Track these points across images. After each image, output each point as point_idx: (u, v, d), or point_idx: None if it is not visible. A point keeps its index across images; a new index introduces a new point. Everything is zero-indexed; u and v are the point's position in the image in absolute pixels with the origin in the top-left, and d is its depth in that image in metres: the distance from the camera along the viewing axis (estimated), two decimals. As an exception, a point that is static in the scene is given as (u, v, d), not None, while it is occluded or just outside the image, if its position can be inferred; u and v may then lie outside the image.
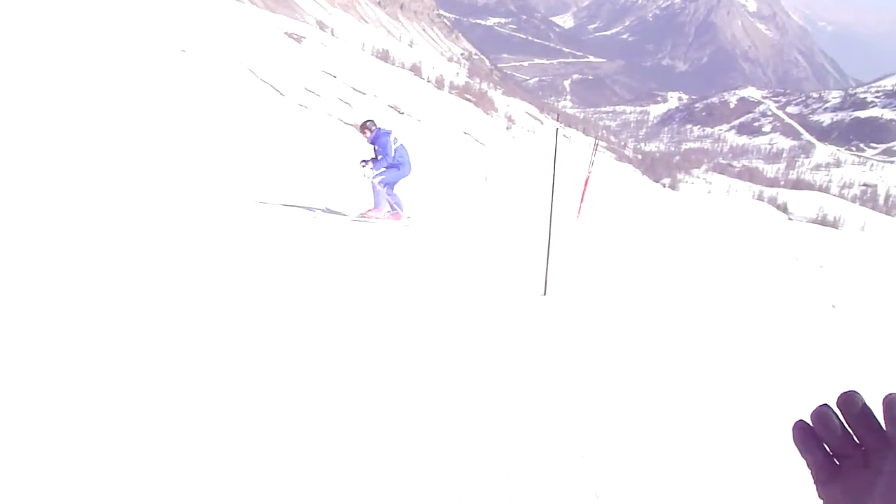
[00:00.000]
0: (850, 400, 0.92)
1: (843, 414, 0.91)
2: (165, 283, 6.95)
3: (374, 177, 14.20)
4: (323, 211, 14.23)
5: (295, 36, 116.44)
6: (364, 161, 14.51)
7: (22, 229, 7.72)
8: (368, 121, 14.70)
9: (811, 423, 0.93)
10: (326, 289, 7.93)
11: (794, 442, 0.93)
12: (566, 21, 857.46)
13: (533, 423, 5.22)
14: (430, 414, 5.09)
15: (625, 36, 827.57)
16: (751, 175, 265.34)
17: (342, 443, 4.48)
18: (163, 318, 6.01)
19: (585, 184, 18.54)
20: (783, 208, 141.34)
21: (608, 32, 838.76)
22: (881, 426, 0.87)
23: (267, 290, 7.43)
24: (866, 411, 0.89)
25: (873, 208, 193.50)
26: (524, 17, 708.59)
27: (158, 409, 4.63)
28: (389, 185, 14.44)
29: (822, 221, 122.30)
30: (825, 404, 0.86)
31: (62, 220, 8.47)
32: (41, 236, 7.62)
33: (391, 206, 14.63)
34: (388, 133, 14.44)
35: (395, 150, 14.34)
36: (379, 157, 14.19)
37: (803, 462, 0.93)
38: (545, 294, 9.31)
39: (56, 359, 4.88)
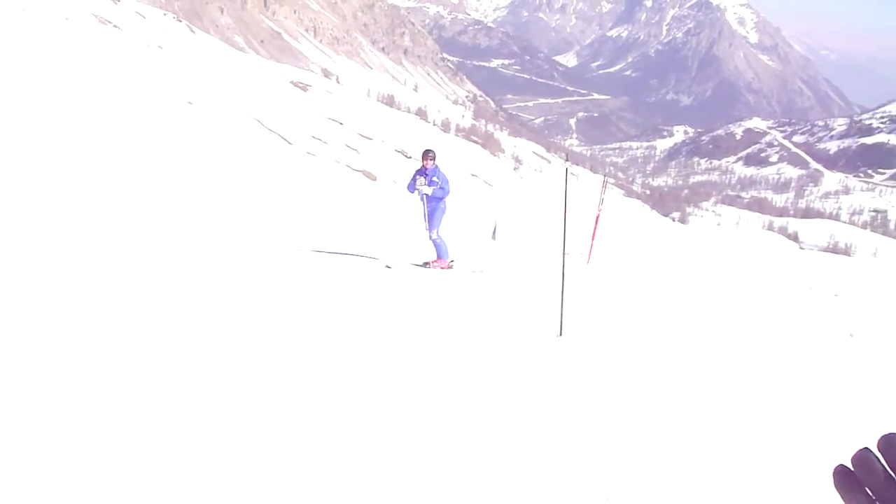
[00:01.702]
0: (891, 442, 0.90)
1: (884, 457, 0.89)
2: (194, 322, 6.96)
3: (429, 194, 14.47)
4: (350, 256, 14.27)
5: (300, 84, 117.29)
6: (413, 182, 14.82)
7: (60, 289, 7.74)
8: (431, 150, 14.88)
9: (852, 468, 0.90)
10: (342, 331, 7.91)
11: (836, 487, 0.91)
12: (569, 60, 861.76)
13: (556, 465, 5.18)
14: (450, 456, 5.04)
15: (628, 72, 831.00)
16: (760, 206, 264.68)
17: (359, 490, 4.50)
18: (200, 343, 6.02)
19: (596, 222, 18.53)
20: (794, 237, 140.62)
21: (611, 70, 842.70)
22: None
23: (293, 333, 7.42)
24: None
25: (884, 234, 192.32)
26: (527, 57, 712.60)
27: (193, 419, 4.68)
28: (439, 228, 14.80)
29: (834, 249, 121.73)
30: (866, 448, 0.89)
31: (79, 268, 8.49)
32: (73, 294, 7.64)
33: (438, 254, 14.95)
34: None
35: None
36: (441, 187, 14.45)
37: None
38: (561, 334, 9.27)
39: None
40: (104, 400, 5.16)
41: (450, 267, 14.96)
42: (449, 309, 10.49)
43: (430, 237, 14.76)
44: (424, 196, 14.50)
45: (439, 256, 14.87)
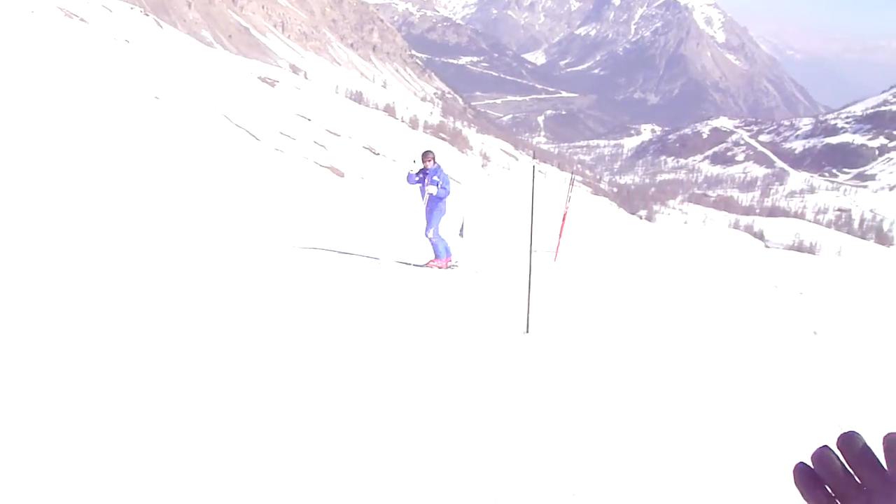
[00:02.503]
0: (850, 440, 0.93)
1: (843, 455, 0.90)
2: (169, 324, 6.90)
3: (434, 195, 14.54)
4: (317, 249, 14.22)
5: (268, 80, 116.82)
6: (413, 175, 14.87)
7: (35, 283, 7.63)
8: (431, 151, 15.02)
9: (812, 465, 0.92)
10: (320, 330, 7.87)
11: (796, 484, 0.92)
12: (538, 58, 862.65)
13: (521, 461, 5.17)
14: (416, 451, 5.02)
15: (596, 71, 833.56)
16: (726, 204, 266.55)
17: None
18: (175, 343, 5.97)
19: (563, 220, 18.56)
20: (760, 236, 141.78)
21: (580, 68, 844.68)
22: (882, 466, 0.87)
23: (271, 330, 7.37)
24: (867, 451, 0.89)
25: (848, 232, 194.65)
26: (496, 55, 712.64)
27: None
28: (437, 227, 14.92)
29: (799, 248, 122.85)
30: (825, 446, 0.92)
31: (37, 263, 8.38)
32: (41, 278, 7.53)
33: (436, 253, 15.11)
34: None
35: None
36: (441, 186, 14.54)
37: None
38: (527, 332, 9.27)
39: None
40: (101, 401, 5.13)
41: (448, 266, 15.10)
42: (417, 306, 10.47)
43: (427, 236, 14.90)
44: (428, 195, 14.58)
45: (436, 256, 15.04)
